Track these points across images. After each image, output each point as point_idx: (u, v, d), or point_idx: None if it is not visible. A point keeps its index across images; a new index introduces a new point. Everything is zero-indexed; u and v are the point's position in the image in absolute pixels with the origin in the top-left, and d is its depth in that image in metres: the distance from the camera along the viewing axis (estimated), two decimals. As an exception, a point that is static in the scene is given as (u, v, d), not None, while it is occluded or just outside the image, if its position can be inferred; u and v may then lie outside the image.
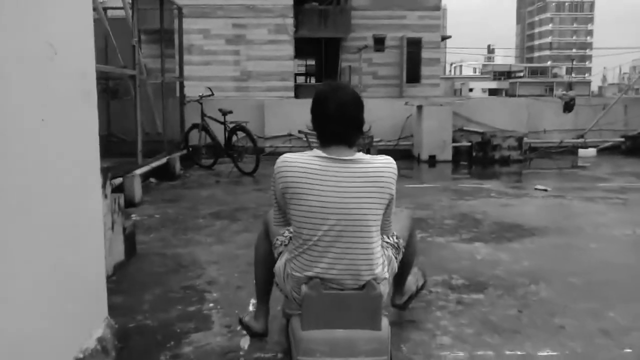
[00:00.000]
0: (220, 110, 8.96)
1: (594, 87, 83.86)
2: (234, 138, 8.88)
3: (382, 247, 2.45)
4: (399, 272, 2.76)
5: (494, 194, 7.04)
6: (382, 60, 23.48)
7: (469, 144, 10.76)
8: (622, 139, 11.67)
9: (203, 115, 9.19)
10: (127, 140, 8.21)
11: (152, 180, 7.83)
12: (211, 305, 3.37)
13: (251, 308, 3.18)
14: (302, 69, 29.73)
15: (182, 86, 10.32)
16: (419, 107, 10.63)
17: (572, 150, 11.45)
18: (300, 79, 27.92)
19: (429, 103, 10.75)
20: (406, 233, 2.76)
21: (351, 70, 23.36)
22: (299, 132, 10.08)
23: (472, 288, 3.66)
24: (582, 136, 11.73)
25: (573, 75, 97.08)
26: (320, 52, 25.41)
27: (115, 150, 8.14)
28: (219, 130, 9.09)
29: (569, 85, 17.24)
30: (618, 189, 7.41)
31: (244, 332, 2.89)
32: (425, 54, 23.96)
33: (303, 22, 22.44)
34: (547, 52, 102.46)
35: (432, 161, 10.36)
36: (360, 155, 2.30)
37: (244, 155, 8.79)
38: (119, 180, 6.20)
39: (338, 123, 2.29)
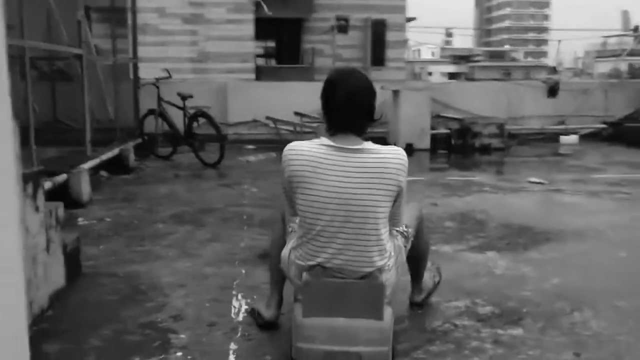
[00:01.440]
0: (179, 94, 8.05)
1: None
2: (195, 125, 7.99)
3: (392, 235, 2.42)
4: (414, 266, 2.79)
5: (488, 188, 6.37)
6: (346, 42, 22.66)
7: (448, 131, 10.10)
8: (604, 126, 11.20)
9: (160, 100, 8.26)
10: (76, 128, 7.25)
11: (103, 173, 6.90)
12: (179, 354, 2.56)
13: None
14: (263, 51, 28.64)
15: (135, 68, 9.32)
16: (395, 92, 9.90)
17: (553, 137, 10.92)
18: (260, 61, 26.89)
19: (406, 87, 10.04)
20: (415, 222, 2.67)
21: (314, 52, 22.54)
22: (267, 118, 9.24)
23: (506, 319, 2.94)
24: (562, 122, 11.21)
25: (530, 59, 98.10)
26: (281, 33, 24.45)
27: (63, 139, 7.17)
28: (178, 116, 8.18)
29: (553, 69, 16.79)
30: (617, 181, 6.85)
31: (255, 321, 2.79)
32: (390, 36, 23.26)
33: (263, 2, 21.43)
34: (505, 36, 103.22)
35: (410, 150, 9.64)
36: (368, 144, 2.24)
37: (206, 144, 7.91)
38: (63, 177, 5.28)
39: (347, 111, 2.24)
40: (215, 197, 5.89)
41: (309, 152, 2.25)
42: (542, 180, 6.74)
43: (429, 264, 3.01)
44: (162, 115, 8.24)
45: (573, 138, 10.80)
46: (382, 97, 10.69)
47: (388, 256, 2.33)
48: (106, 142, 7.28)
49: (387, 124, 10.47)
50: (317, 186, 2.21)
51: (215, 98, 10.05)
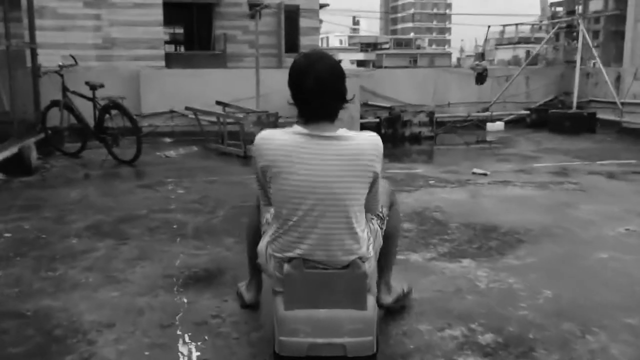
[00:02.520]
0: (88, 84, 7.14)
1: (454, 59, 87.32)
2: (107, 117, 7.12)
3: (367, 220, 2.37)
4: (383, 248, 2.57)
5: (433, 181, 5.97)
6: (259, 28, 21.88)
7: (377, 120, 9.70)
8: (528, 112, 11.17)
9: (65, 90, 7.30)
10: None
11: (0, 176, 5.95)
12: None
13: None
14: (171, 37, 27.33)
15: (34, 54, 8.25)
16: (322, 79, 9.35)
17: (478, 124, 10.77)
18: (170, 48, 25.62)
19: (334, 74, 9.49)
20: (387, 199, 2.60)
21: (226, 39, 21.64)
22: (187, 108, 8.45)
23: (514, 350, 2.47)
24: (487, 109, 11.09)
25: (434, 47, 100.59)
26: (190, 18, 23.33)
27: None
28: (86, 108, 7.28)
29: (481, 56, 16.78)
30: (558, 170, 6.65)
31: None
32: (303, 23, 22.75)
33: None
34: (410, 25, 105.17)
35: (339, 140, 9.17)
36: (342, 131, 2.19)
37: (120, 138, 7.07)
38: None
39: (319, 98, 2.16)
40: (136, 201, 5.13)
41: (282, 141, 2.17)
42: (485, 172, 6.42)
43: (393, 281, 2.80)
44: (68, 107, 7.30)
45: (499, 125, 10.69)
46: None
47: (367, 243, 2.29)
48: (2, 138, 6.30)
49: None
50: (293, 176, 2.14)
51: (126, 87, 9.13)
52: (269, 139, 2.21)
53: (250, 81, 9.56)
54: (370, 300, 2.22)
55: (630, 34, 11.38)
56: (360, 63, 77.11)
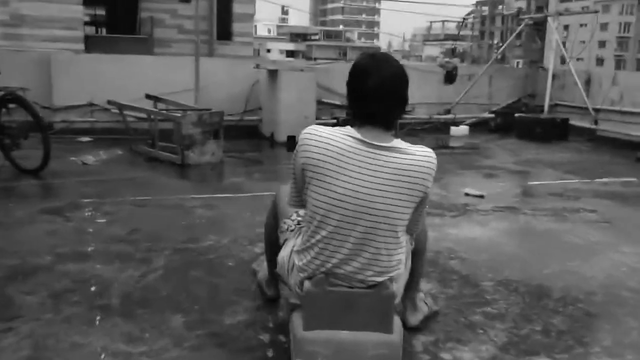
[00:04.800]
0: (-25, 69, 5.52)
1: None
2: (3, 111, 5.56)
3: (408, 242, 2.24)
4: (410, 273, 2.37)
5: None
6: (189, 12, 20.23)
7: (335, 120, 8.48)
8: (492, 115, 10.24)
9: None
10: None
11: None
12: None
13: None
14: (92, 18, 25.03)
15: None
16: (272, 73, 8.02)
17: (439, 127, 9.75)
18: (90, 30, 23.39)
19: (287, 67, 8.18)
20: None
21: (153, 22, 19.84)
22: (109, 102, 6.91)
23: None
24: (449, 111, 10.07)
25: (363, 40, 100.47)
26: (113, -2, 21.31)
27: None
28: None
29: (452, 52, 15.76)
30: (561, 191, 5.64)
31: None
32: (237, 8, 21.26)
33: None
34: (340, 17, 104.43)
35: (292, 143, 7.87)
36: (397, 142, 2.02)
37: (21, 139, 5.50)
38: None
39: (379, 101, 2.00)
40: (37, 238, 3.66)
41: (332, 140, 1.99)
42: (481, 193, 5.32)
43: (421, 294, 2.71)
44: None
45: (463, 129, 9.70)
46: (253, 78, 8.80)
47: (402, 266, 2.15)
48: None
49: (259, 110, 8.61)
50: (337, 181, 1.97)
51: (34, 74, 7.50)
52: (318, 134, 2.02)
53: (185, 71, 8.12)
54: (397, 323, 2.07)
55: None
56: (290, 53, 75.84)
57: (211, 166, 6.26)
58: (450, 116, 9.90)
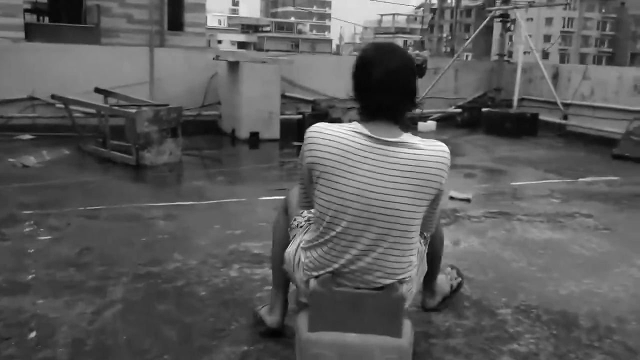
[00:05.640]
0: None
1: (334, 46, 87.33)
2: None
3: (420, 243, 2.12)
4: (428, 266, 2.32)
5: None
6: (137, 0, 19.34)
7: (300, 116, 7.97)
8: (459, 110, 9.92)
9: None
10: None
11: None
12: None
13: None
14: (36, 7, 23.73)
15: None
16: (233, 64, 7.45)
17: (406, 123, 9.27)
18: (31, 18, 22.12)
19: (249, 59, 7.61)
20: None
21: (100, 11, 18.88)
22: (53, 97, 6.22)
23: None
24: (417, 105, 9.67)
25: (314, 32, 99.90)
26: (56, -16, 20.19)
27: None
28: None
29: (422, 44, 15.36)
30: (548, 192, 5.31)
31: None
32: (188, -3, 20.49)
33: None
34: (291, 9, 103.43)
35: (255, 140, 7.34)
36: (407, 137, 1.91)
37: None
38: None
39: (387, 93, 1.90)
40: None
41: (338, 138, 1.89)
42: (467, 196, 4.92)
43: (447, 268, 2.81)
44: None
45: (431, 124, 9.36)
46: (211, 70, 8.20)
47: (413, 268, 2.01)
48: None
49: (218, 104, 8.03)
50: (345, 180, 1.87)
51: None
52: (324, 132, 1.91)
53: (138, 62, 7.51)
54: (407, 326, 1.92)
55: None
56: (242, 45, 74.68)
57: (169, 167, 5.68)
58: (417, 111, 9.51)
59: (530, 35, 10.37)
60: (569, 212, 4.66)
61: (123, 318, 2.50)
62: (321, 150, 1.89)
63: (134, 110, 5.68)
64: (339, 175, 1.88)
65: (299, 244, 2.10)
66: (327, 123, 1.97)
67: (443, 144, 1.96)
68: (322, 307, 1.92)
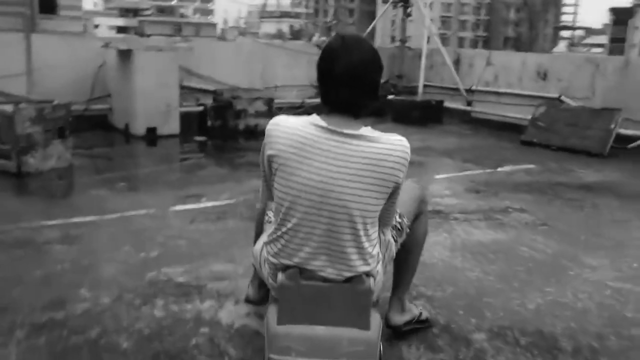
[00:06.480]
0: None
1: (219, 30, 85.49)
2: None
3: (382, 233, 2.07)
4: (400, 263, 2.37)
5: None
6: (2, -20, 17.62)
7: (201, 108, 7.36)
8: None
9: None
10: None
11: None
12: None
13: None
14: None
15: None
16: (124, 53, 6.71)
17: (310, 112, 8.94)
18: None
19: (143, 46, 6.88)
20: (412, 208, 2.33)
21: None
22: None
23: None
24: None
25: (198, 16, 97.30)
26: None
27: None
28: None
29: (328, 30, 14.77)
30: (471, 185, 5.16)
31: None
32: (61, -21, 19.01)
33: None
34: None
35: (152, 137, 6.67)
36: (366, 130, 1.88)
37: None
38: None
39: (348, 87, 1.86)
40: None
41: (296, 130, 1.87)
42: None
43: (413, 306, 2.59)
44: None
45: (337, 113, 9.03)
46: (99, 59, 7.38)
47: (375, 261, 1.97)
48: None
49: (108, 97, 7.25)
50: (299, 172, 1.85)
51: None
52: (282, 125, 1.89)
53: (9, 51, 6.57)
54: (375, 319, 1.91)
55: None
56: (121, 29, 71.14)
57: (58, 174, 4.94)
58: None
59: (432, 20, 10.31)
60: (501, 206, 4.48)
61: (23, 394, 1.92)
62: (279, 143, 1.87)
63: (10, 108, 4.88)
64: (295, 167, 1.85)
65: (263, 241, 2.08)
66: (286, 116, 1.93)
67: (404, 139, 1.91)
68: (290, 301, 1.91)
